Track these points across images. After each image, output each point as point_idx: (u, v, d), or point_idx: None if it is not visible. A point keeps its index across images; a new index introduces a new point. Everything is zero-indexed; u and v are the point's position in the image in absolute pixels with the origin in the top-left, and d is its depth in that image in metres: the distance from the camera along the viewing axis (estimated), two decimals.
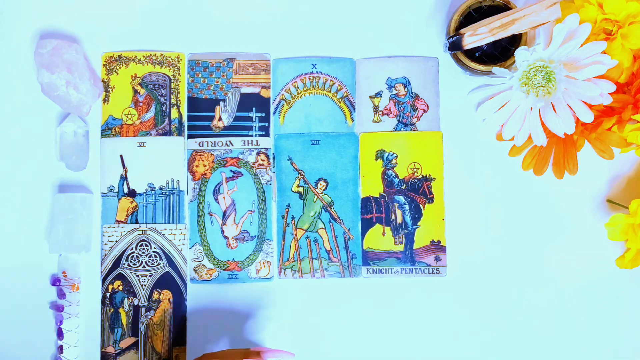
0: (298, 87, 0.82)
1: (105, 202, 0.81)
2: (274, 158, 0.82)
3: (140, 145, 0.81)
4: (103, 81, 0.82)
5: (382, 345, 0.80)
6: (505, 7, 0.77)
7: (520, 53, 0.74)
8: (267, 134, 0.82)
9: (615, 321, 0.81)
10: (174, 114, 0.82)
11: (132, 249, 0.81)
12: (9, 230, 0.80)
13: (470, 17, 0.78)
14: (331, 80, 0.82)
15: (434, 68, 0.82)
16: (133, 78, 0.82)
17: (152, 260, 0.81)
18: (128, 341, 0.80)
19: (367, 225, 0.81)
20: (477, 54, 0.79)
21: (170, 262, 0.81)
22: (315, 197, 0.81)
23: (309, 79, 0.82)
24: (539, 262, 0.81)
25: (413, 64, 0.82)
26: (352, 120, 0.82)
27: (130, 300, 0.80)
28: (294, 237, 0.81)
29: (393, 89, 0.82)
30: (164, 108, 0.82)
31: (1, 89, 0.81)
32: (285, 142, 0.82)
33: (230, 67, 0.82)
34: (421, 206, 0.81)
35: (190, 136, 0.82)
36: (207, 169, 0.81)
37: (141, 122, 0.82)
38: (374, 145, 0.82)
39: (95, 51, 0.82)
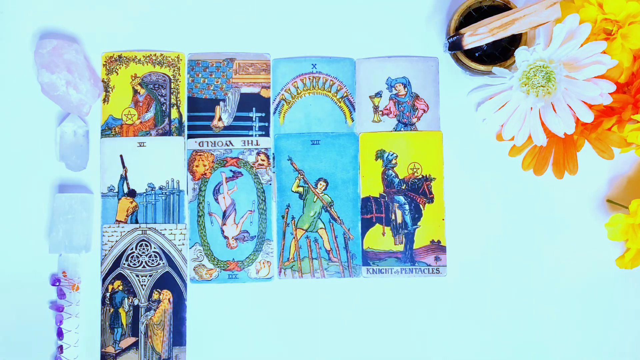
0: (298, 87, 0.82)
1: (105, 202, 0.81)
2: (274, 158, 0.82)
3: (140, 145, 0.81)
4: (103, 81, 0.82)
5: (382, 345, 0.80)
6: (505, 7, 0.77)
7: (520, 53, 0.74)
8: (267, 134, 0.82)
9: (614, 321, 0.81)
10: (174, 114, 0.82)
11: (132, 249, 0.81)
12: (9, 231, 0.80)
13: (470, 17, 0.78)
14: (331, 80, 0.82)
15: (434, 68, 0.82)
16: (133, 78, 0.82)
17: (152, 260, 0.81)
18: (128, 341, 0.80)
19: (367, 225, 0.81)
20: (477, 54, 0.79)
21: (170, 262, 0.81)
22: (315, 197, 0.81)
23: (309, 79, 0.82)
24: (538, 262, 0.81)
25: (413, 64, 0.82)
26: (352, 120, 0.82)
27: (130, 300, 0.80)
28: (294, 237, 0.81)
29: (393, 89, 0.82)
30: (164, 108, 0.82)
31: (1, 89, 0.82)
32: (285, 142, 0.82)
33: (230, 67, 0.82)
34: (421, 206, 0.81)
35: (190, 136, 0.82)
36: (207, 169, 0.81)
37: (141, 122, 0.82)
38: (374, 145, 0.82)
39: (95, 51, 0.82)
